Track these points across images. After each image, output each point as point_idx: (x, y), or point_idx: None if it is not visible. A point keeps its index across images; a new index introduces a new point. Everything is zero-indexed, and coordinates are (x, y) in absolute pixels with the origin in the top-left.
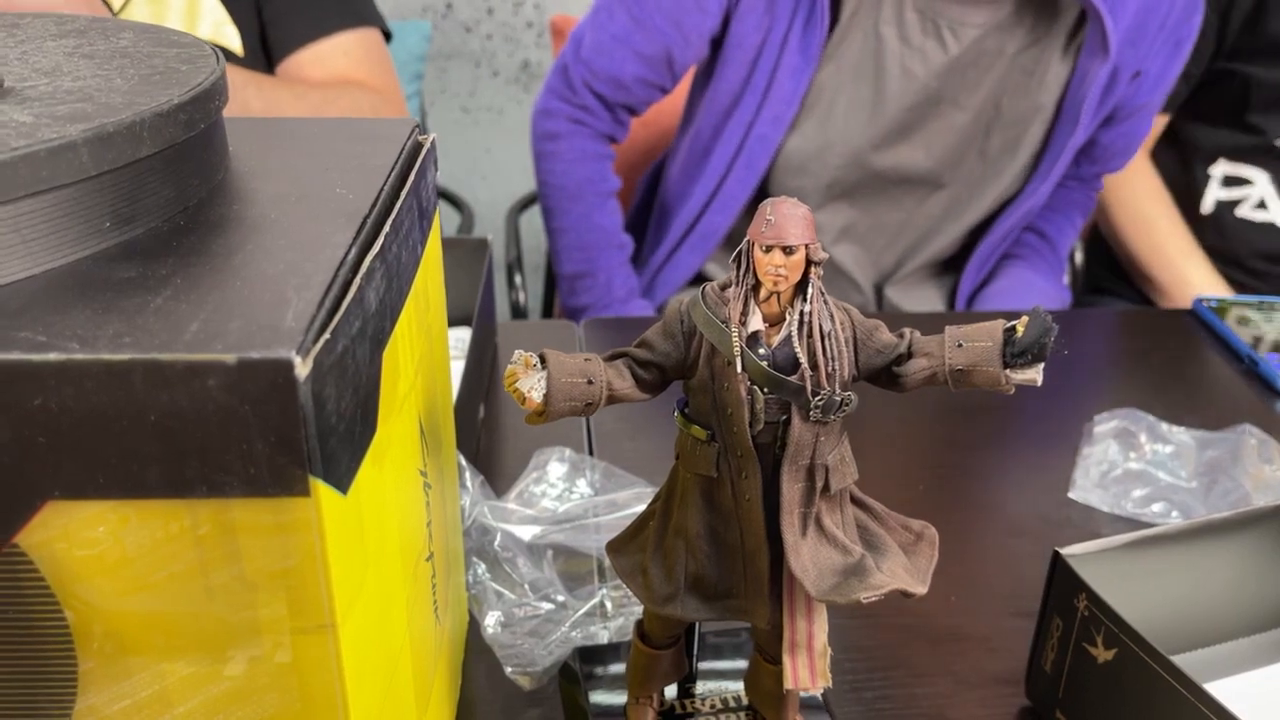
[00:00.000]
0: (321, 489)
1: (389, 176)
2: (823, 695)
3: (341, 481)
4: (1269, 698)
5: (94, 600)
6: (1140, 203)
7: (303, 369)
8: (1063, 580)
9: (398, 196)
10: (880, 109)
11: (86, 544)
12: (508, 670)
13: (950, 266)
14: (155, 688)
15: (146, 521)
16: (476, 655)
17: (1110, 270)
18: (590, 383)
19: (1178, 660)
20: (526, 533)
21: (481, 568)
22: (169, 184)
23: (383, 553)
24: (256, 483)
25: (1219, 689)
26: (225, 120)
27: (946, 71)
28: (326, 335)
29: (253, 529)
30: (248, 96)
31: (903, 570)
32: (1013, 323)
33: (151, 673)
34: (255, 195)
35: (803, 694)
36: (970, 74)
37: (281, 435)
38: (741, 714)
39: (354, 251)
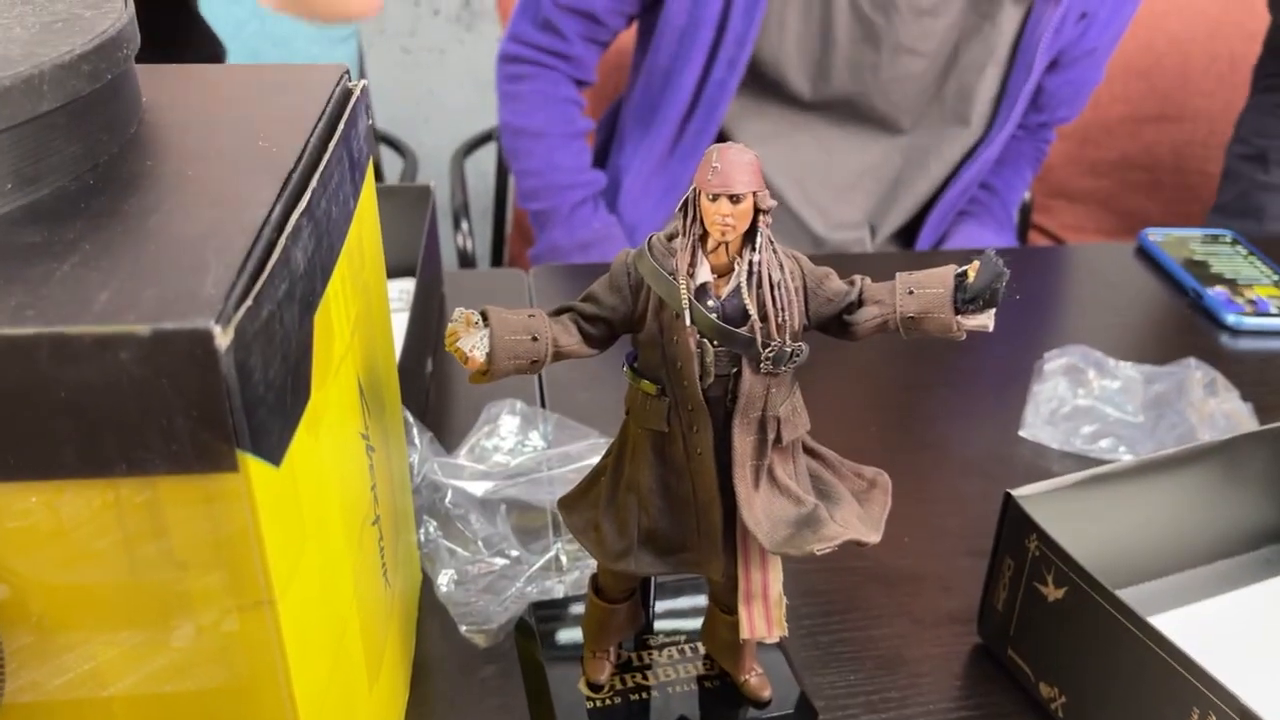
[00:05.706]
0: (251, 463)
1: (316, 127)
2: (779, 642)
3: (273, 454)
4: (1212, 629)
5: (27, 575)
6: None
7: (224, 339)
8: (1014, 521)
9: (326, 148)
10: (828, 42)
11: (15, 516)
12: (462, 629)
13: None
14: (95, 662)
15: (68, 500)
16: (431, 614)
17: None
18: (535, 339)
19: (1124, 595)
20: (479, 488)
21: (433, 525)
22: (75, 140)
23: (322, 522)
24: (180, 459)
25: (1164, 622)
26: (139, 69)
27: (901, 21)
28: (249, 301)
29: (180, 505)
30: None
31: (856, 519)
32: (964, 268)
33: (90, 648)
34: (171, 150)
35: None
36: (926, 21)
37: (204, 410)
38: (699, 663)
39: (278, 209)
